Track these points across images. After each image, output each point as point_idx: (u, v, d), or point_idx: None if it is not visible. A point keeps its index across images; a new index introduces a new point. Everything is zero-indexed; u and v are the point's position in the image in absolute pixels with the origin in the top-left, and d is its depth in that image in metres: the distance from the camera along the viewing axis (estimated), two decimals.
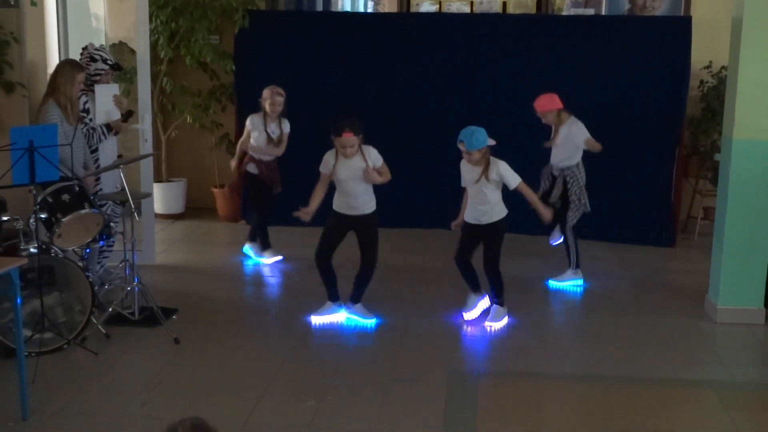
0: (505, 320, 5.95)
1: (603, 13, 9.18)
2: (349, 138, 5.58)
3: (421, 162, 8.34)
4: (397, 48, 8.56)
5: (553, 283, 6.82)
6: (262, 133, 7.03)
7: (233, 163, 7.34)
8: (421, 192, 8.51)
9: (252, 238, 7.43)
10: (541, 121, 6.66)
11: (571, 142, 6.57)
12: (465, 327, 5.88)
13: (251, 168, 7.14)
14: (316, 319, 5.93)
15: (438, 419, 4.45)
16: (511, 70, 8.24)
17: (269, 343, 5.60)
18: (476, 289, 6.03)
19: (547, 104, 6.56)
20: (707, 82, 8.50)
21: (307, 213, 5.75)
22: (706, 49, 8.26)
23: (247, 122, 7.14)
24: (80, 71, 5.99)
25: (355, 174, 5.69)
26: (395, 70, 8.54)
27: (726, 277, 6.03)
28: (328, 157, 5.77)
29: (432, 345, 5.57)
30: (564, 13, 9.42)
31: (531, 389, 4.87)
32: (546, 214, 5.96)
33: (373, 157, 5.75)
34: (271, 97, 6.98)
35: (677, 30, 8.06)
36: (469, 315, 6.01)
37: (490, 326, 5.89)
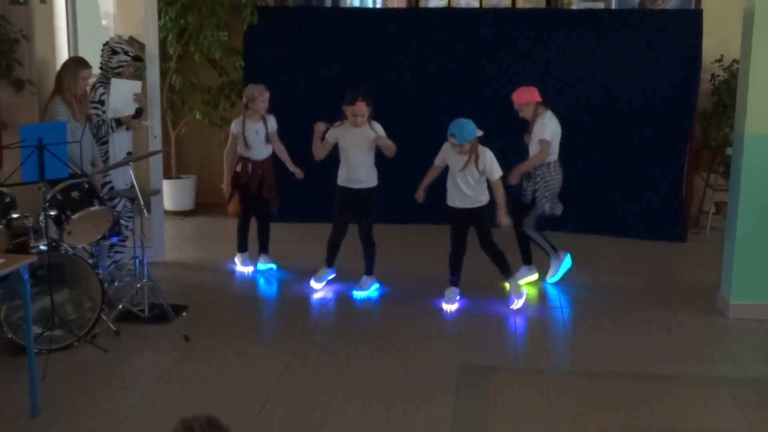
0: (524, 298, 6.21)
1: (613, 6, 9.12)
2: (362, 107, 6.05)
3: (430, 157, 8.29)
4: (406, 43, 8.53)
5: (549, 281, 6.71)
6: (240, 137, 6.75)
7: (225, 186, 7.07)
8: (430, 188, 8.47)
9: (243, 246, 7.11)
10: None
11: (538, 137, 6.33)
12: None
13: (238, 166, 6.85)
14: (315, 285, 6.48)
15: (448, 415, 4.44)
16: (521, 64, 8.18)
17: (279, 340, 5.59)
18: (456, 282, 6.25)
19: (525, 96, 6.36)
20: (718, 75, 8.44)
21: (320, 127, 6.21)
22: (717, 42, 8.19)
23: (232, 128, 6.84)
24: (84, 68, 6.03)
25: (360, 143, 6.15)
26: (404, 65, 8.50)
27: (738, 272, 5.99)
28: (335, 127, 6.22)
29: (442, 341, 5.57)
30: (574, 6, 9.34)
31: (542, 385, 4.85)
32: (505, 220, 6.01)
33: (379, 130, 6.20)
34: (261, 94, 6.67)
35: (688, 23, 8.00)
36: (449, 306, 6.12)
37: (517, 303, 6.11)
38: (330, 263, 6.53)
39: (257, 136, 6.75)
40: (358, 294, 6.40)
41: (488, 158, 5.88)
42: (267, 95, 6.74)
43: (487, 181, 6.00)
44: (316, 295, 6.42)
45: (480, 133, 5.83)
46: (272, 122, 6.85)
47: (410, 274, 6.97)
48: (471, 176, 5.93)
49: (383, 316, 6.01)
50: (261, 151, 6.80)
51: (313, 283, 6.49)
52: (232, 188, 6.95)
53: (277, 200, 6.96)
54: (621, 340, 5.57)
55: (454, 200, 6.09)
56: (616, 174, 8.10)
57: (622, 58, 8.10)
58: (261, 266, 7.06)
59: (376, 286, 6.51)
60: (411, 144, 8.10)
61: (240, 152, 6.78)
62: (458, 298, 6.22)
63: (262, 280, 6.91)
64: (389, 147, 6.20)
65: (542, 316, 6.14)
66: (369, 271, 6.50)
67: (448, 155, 6.05)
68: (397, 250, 7.72)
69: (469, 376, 4.96)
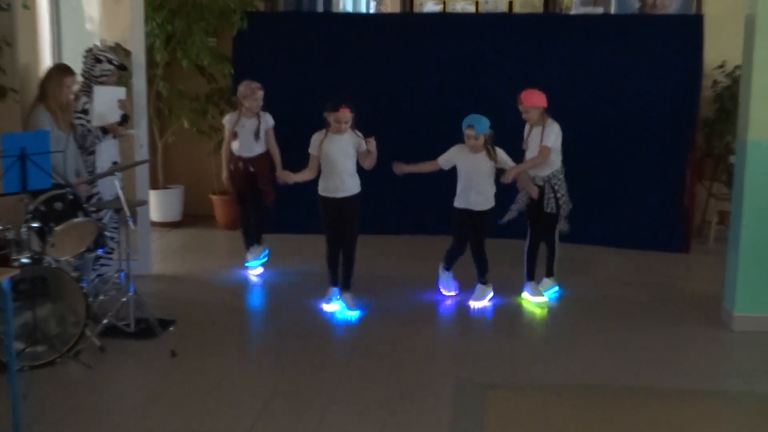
0: (490, 296, 6.36)
1: (612, 11, 9.05)
2: (345, 114, 5.94)
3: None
4: (400, 49, 8.43)
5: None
6: (232, 131, 6.92)
7: (224, 174, 7.18)
8: (425, 197, 8.38)
9: (249, 243, 7.22)
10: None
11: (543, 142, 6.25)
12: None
13: (231, 164, 7.00)
14: (328, 307, 6.21)
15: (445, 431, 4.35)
16: (518, 70, 8.09)
17: (269, 355, 5.48)
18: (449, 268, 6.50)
19: (538, 100, 6.27)
20: (720, 82, 8.35)
21: (288, 176, 6.10)
22: (718, 48, 8.11)
23: (225, 122, 7.02)
24: (69, 75, 5.97)
25: (345, 150, 6.02)
26: (398, 72, 8.41)
27: (742, 284, 5.88)
28: (316, 137, 6.07)
29: (438, 356, 5.49)
30: (572, 12, 9.29)
31: (540, 401, 4.75)
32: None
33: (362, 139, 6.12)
34: (253, 93, 6.78)
35: (689, 29, 7.92)
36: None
37: (474, 305, 6.27)
38: (334, 282, 6.26)
39: (246, 132, 6.87)
40: (327, 307, 6.23)
41: (500, 150, 6.18)
42: (260, 94, 6.85)
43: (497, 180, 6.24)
44: (308, 309, 6.28)
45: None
46: (266, 119, 6.96)
47: (407, 286, 6.84)
48: (488, 176, 6.17)
49: (378, 331, 5.88)
50: (250, 148, 6.95)
51: (324, 306, 6.21)
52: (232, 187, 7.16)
53: (272, 193, 6.98)
54: (622, 353, 5.47)
55: (464, 202, 6.24)
56: (617, 183, 8.03)
57: (622, 64, 8.03)
58: (251, 264, 7.14)
59: (357, 313, 6.18)
60: (404, 151, 7.96)
61: (233, 148, 6.94)
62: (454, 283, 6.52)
63: (251, 294, 6.83)
64: (373, 158, 6.06)
65: (541, 328, 6.06)
66: (347, 286, 6.23)
67: (458, 157, 6.22)
68: (393, 261, 7.64)
69: (465, 391, 4.87)
